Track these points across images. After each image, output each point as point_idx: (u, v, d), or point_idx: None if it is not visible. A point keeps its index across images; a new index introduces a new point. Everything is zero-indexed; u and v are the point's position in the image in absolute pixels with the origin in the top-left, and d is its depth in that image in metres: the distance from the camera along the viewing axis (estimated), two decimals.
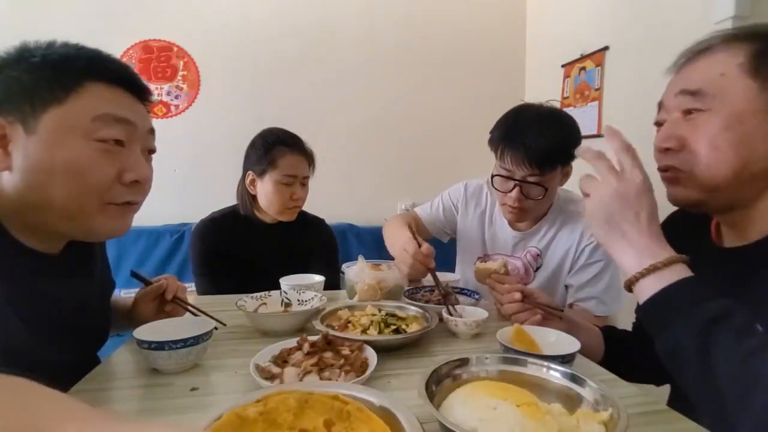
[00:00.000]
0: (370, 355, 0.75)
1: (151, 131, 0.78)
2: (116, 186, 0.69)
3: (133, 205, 0.74)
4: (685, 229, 0.76)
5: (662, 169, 0.73)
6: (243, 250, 1.42)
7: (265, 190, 1.38)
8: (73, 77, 0.66)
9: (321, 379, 0.67)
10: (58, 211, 0.66)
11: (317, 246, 1.54)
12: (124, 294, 1.44)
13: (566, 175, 1.23)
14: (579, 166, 1.26)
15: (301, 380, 0.67)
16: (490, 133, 1.22)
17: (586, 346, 0.82)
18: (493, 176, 1.22)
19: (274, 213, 1.41)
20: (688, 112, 0.68)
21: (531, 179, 1.12)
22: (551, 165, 1.12)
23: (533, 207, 1.19)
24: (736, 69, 0.64)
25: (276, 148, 1.37)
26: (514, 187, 1.15)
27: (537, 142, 1.09)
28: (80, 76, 0.67)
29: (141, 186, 0.73)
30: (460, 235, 1.46)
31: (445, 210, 1.47)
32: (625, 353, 0.92)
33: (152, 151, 0.79)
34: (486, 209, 1.40)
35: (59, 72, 0.66)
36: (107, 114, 0.67)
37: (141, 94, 0.75)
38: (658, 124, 0.75)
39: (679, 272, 0.59)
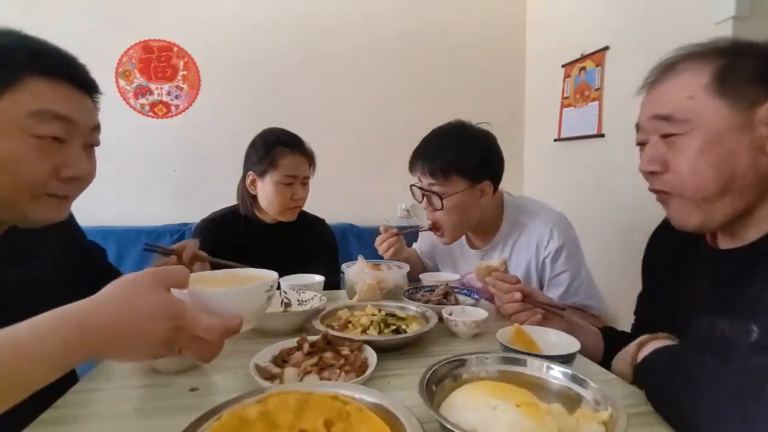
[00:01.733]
0: (370, 355, 0.75)
1: (96, 128, 0.75)
2: (52, 181, 0.68)
3: (69, 197, 0.73)
4: (681, 232, 0.76)
5: (653, 191, 0.75)
6: (243, 250, 1.42)
7: (265, 190, 1.38)
8: (12, 71, 0.63)
9: (321, 379, 0.67)
10: None
11: (317, 246, 1.54)
12: None
13: (484, 194, 1.23)
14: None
15: (301, 380, 0.67)
16: None
17: (585, 347, 0.82)
18: (411, 187, 1.30)
19: (274, 213, 1.41)
20: (665, 135, 0.69)
21: (434, 189, 1.21)
22: (445, 174, 1.19)
23: (444, 221, 1.23)
24: (702, 91, 0.65)
25: (276, 149, 1.36)
26: (423, 197, 1.25)
27: (433, 154, 1.21)
28: (19, 69, 0.64)
29: (79, 181, 0.72)
30: (440, 264, 1.51)
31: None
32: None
33: (94, 145, 0.76)
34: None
35: None
36: (45, 110, 0.65)
37: (88, 88, 0.73)
38: (640, 144, 0.76)
39: None
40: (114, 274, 1.10)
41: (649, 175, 0.73)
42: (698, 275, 0.77)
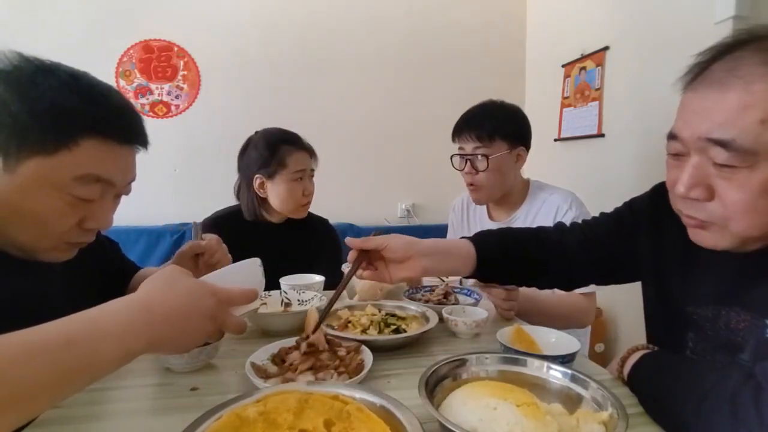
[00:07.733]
0: (366, 357, 0.74)
1: (132, 180, 0.76)
2: (75, 230, 0.69)
3: (82, 243, 0.73)
4: None
5: (684, 215, 0.63)
6: (247, 249, 1.41)
7: (277, 190, 1.39)
8: (72, 133, 0.63)
9: (316, 380, 0.67)
10: (11, 240, 0.67)
11: (322, 247, 1.53)
12: None
13: (519, 159, 1.37)
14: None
15: (295, 381, 0.67)
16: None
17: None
18: (452, 157, 1.41)
19: (289, 212, 1.43)
20: (720, 166, 0.55)
21: (478, 152, 1.32)
22: (490, 137, 1.32)
23: (485, 182, 1.34)
24: None
25: (282, 148, 1.37)
26: (466, 163, 1.35)
27: (479, 121, 1.35)
28: (79, 132, 0.64)
29: (98, 230, 0.73)
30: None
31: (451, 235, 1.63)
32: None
33: (125, 194, 0.77)
34: (467, 214, 1.57)
35: (58, 126, 0.63)
36: (90, 174, 0.66)
37: (139, 144, 0.74)
38: (674, 155, 0.62)
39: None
40: (132, 265, 1.14)
41: (686, 199, 0.60)
42: (714, 260, 0.68)
